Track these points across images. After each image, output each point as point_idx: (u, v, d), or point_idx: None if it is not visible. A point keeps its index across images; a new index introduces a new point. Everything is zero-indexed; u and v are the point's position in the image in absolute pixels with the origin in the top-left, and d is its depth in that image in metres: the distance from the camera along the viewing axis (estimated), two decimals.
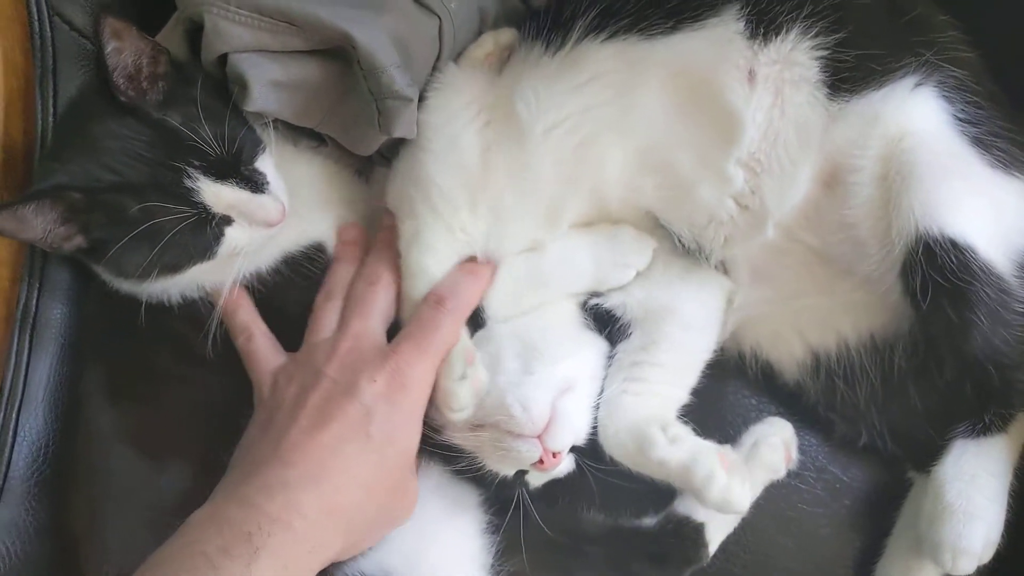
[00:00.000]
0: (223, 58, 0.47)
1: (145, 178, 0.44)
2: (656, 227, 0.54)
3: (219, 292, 0.49)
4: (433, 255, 0.49)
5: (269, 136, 0.48)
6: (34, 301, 0.50)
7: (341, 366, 0.46)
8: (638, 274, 0.54)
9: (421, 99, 0.49)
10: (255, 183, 0.47)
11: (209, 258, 0.47)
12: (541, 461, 0.47)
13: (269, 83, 0.46)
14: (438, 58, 0.51)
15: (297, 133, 0.51)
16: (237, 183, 0.46)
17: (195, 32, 0.49)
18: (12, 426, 0.48)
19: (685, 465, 0.49)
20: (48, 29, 0.52)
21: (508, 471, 0.50)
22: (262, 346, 0.49)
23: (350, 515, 0.43)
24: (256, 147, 0.47)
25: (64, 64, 0.52)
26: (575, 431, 0.50)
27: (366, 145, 0.49)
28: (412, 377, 0.46)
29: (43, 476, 0.49)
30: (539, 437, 0.47)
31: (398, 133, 0.46)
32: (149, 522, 0.47)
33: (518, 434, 0.47)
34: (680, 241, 0.53)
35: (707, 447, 0.50)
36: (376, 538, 0.47)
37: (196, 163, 0.44)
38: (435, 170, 0.49)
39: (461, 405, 0.47)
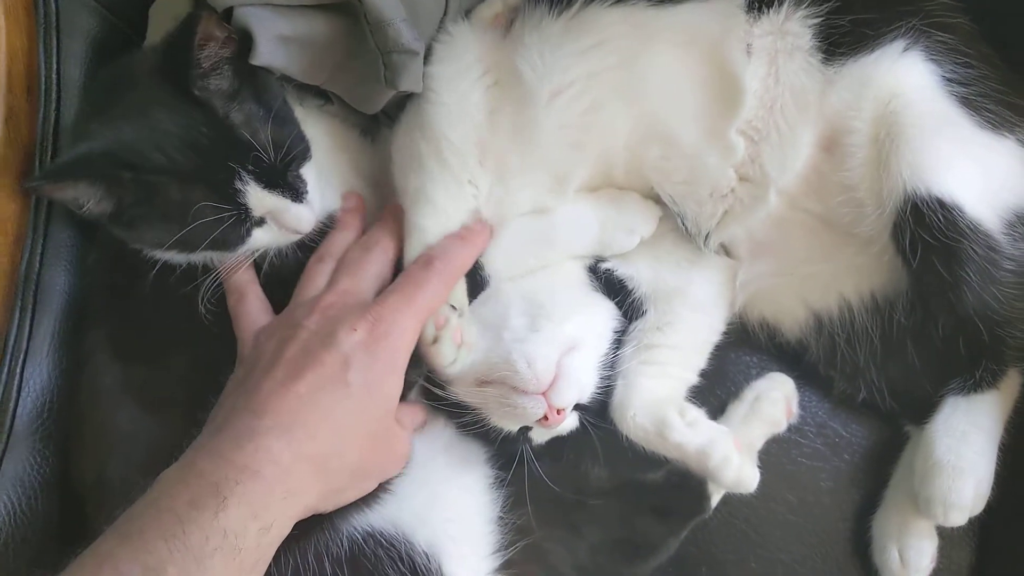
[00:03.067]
0: (229, 13, 0.51)
1: (196, 170, 0.48)
2: (661, 208, 0.60)
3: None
4: (436, 213, 0.54)
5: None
6: (38, 258, 0.54)
7: (322, 318, 0.48)
8: (642, 241, 0.59)
9: (429, 53, 0.54)
10: (296, 191, 0.52)
11: (231, 251, 0.51)
12: (546, 417, 0.52)
13: (275, 38, 0.51)
14: (444, 14, 0.56)
15: (303, 91, 0.56)
16: (281, 191, 0.50)
17: None
18: (17, 381, 0.52)
19: (702, 449, 0.55)
20: None
21: (512, 427, 0.55)
22: (252, 307, 0.52)
23: (326, 462, 0.45)
24: (305, 154, 0.52)
25: (67, 21, 0.56)
26: (580, 389, 0.55)
27: (373, 102, 0.54)
28: (394, 327, 0.48)
29: (48, 431, 0.53)
30: (544, 394, 0.52)
31: (404, 87, 0.51)
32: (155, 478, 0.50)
33: (523, 390, 0.52)
34: (682, 222, 0.58)
35: (723, 431, 0.56)
36: (362, 488, 0.49)
37: (251, 168, 0.49)
38: (445, 122, 0.54)
39: (445, 361, 0.51)
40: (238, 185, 0.48)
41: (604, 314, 0.59)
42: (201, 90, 0.48)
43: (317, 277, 0.52)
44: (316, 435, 0.44)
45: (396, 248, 0.54)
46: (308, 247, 0.56)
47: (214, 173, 0.48)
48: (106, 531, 0.40)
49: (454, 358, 0.52)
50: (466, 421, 0.55)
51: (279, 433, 0.43)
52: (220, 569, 0.39)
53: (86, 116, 0.53)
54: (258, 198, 0.49)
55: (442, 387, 0.55)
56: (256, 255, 0.53)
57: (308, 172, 0.52)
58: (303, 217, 0.51)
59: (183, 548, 0.38)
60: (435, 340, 0.52)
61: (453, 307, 0.52)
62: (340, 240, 0.54)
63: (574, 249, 0.59)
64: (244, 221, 0.49)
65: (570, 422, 0.55)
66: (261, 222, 0.51)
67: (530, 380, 0.51)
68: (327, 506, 0.47)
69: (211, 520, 0.39)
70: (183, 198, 0.48)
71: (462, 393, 0.55)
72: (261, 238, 0.51)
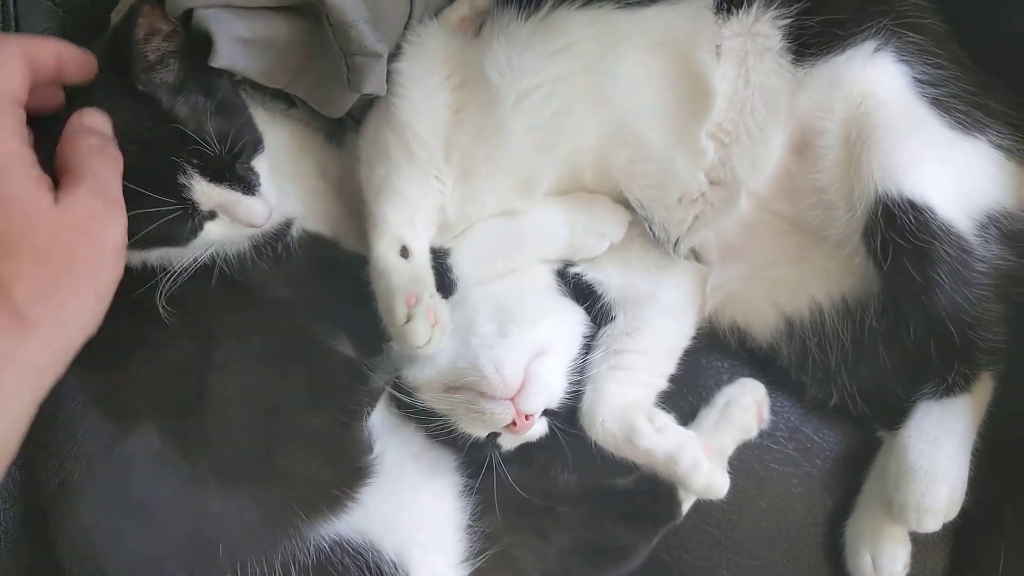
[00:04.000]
0: (189, 15, 0.50)
1: (140, 163, 0.47)
2: (631, 209, 0.59)
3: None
4: (403, 204, 0.53)
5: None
6: None
7: None
8: (612, 247, 0.59)
9: (397, 51, 0.54)
10: (248, 183, 0.50)
11: (182, 246, 0.50)
12: (514, 423, 0.51)
13: (235, 39, 0.50)
14: (409, 17, 0.55)
15: (265, 95, 0.55)
16: (230, 184, 0.49)
17: None
18: None
19: (671, 455, 0.54)
20: None
21: (481, 433, 0.55)
22: None
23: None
24: (255, 146, 0.51)
25: (26, 25, 0.55)
26: (549, 394, 0.54)
27: (337, 105, 0.53)
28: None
29: None
30: (512, 399, 0.51)
31: (368, 89, 0.50)
32: (117, 484, 0.50)
33: (491, 396, 0.52)
34: (651, 228, 0.58)
35: (692, 437, 0.56)
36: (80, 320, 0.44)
37: (194, 162, 0.48)
38: (412, 116, 0.54)
39: (420, 340, 0.50)
40: (182, 180, 0.47)
41: (573, 319, 0.58)
42: (145, 84, 0.47)
43: None
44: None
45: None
46: (265, 254, 0.54)
47: (157, 167, 0.47)
48: None
49: (428, 337, 0.50)
50: (434, 428, 0.54)
51: None
52: None
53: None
54: (205, 192, 0.48)
55: (410, 394, 0.54)
56: (211, 251, 0.51)
57: (260, 164, 0.51)
58: (256, 210, 0.50)
59: None
60: (408, 319, 0.50)
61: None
62: None
63: (543, 252, 0.58)
64: (192, 215, 0.48)
65: (539, 428, 0.55)
66: (213, 215, 0.50)
67: (498, 385, 0.51)
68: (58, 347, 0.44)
69: None
70: (128, 194, 0.46)
71: (430, 399, 0.54)
72: (214, 231, 0.50)
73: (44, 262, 0.41)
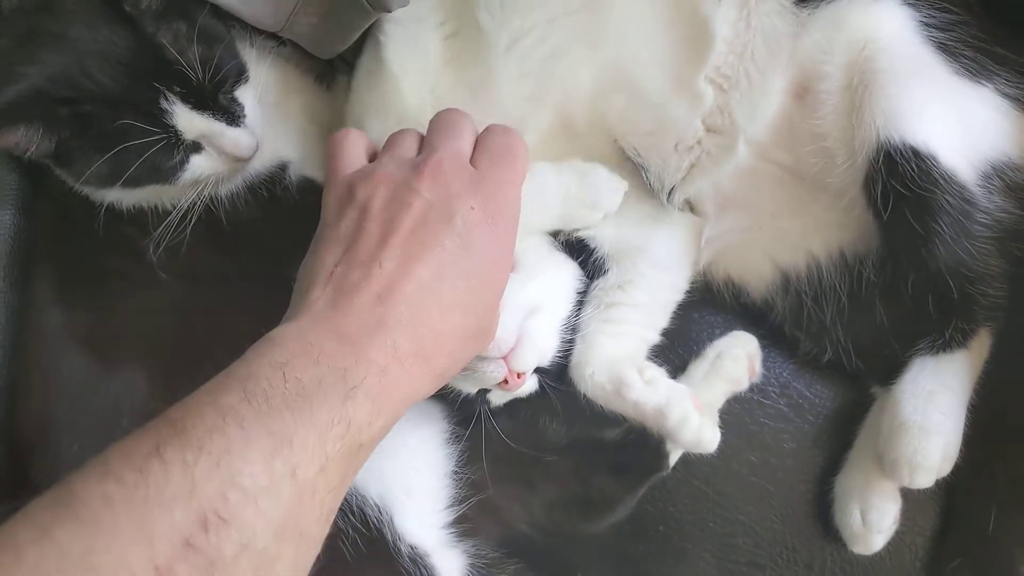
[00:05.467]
0: None
1: (123, 92, 0.46)
2: (624, 162, 0.57)
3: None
4: None
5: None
6: None
7: (435, 185, 0.42)
8: (605, 217, 0.57)
9: None
10: (232, 114, 0.49)
11: (171, 182, 0.49)
12: (506, 381, 0.50)
13: None
14: None
15: (254, 32, 0.54)
16: (213, 113, 0.48)
17: None
18: None
19: (660, 408, 0.52)
20: None
21: (471, 390, 0.53)
22: (351, 148, 0.45)
23: (439, 362, 0.41)
24: (240, 75, 0.50)
25: None
26: (540, 353, 0.53)
27: (332, 45, 0.52)
28: (506, 205, 0.44)
29: None
30: (504, 358, 0.50)
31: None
32: (102, 426, 0.50)
33: (483, 355, 0.50)
34: (646, 176, 0.56)
35: (681, 390, 0.54)
36: (443, 382, 0.44)
37: (176, 88, 0.46)
38: (398, 68, 0.51)
39: None
40: (164, 105, 0.46)
41: (567, 275, 0.56)
42: (132, 7, 0.46)
43: (405, 140, 0.46)
44: (437, 334, 0.40)
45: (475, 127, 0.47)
46: (260, 196, 0.54)
47: (141, 94, 0.46)
48: (225, 379, 0.36)
49: None
50: None
51: (406, 330, 0.39)
52: (339, 459, 0.35)
53: (9, 48, 0.49)
54: (187, 120, 0.47)
55: None
56: (206, 195, 0.50)
57: (245, 95, 0.50)
58: (241, 141, 0.49)
59: (309, 424, 0.34)
60: None
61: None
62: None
63: (534, 225, 0.55)
64: (176, 146, 0.47)
65: (530, 384, 0.53)
66: (198, 148, 0.49)
67: (493, 350, 0.49)
68: (427, 395, 0.43)
69: (339, 405, 0.36)
70: (112, 123, 0.45)
71: None
72: (201, 165, 0.49)
73: None
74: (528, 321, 0.52)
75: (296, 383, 0.35)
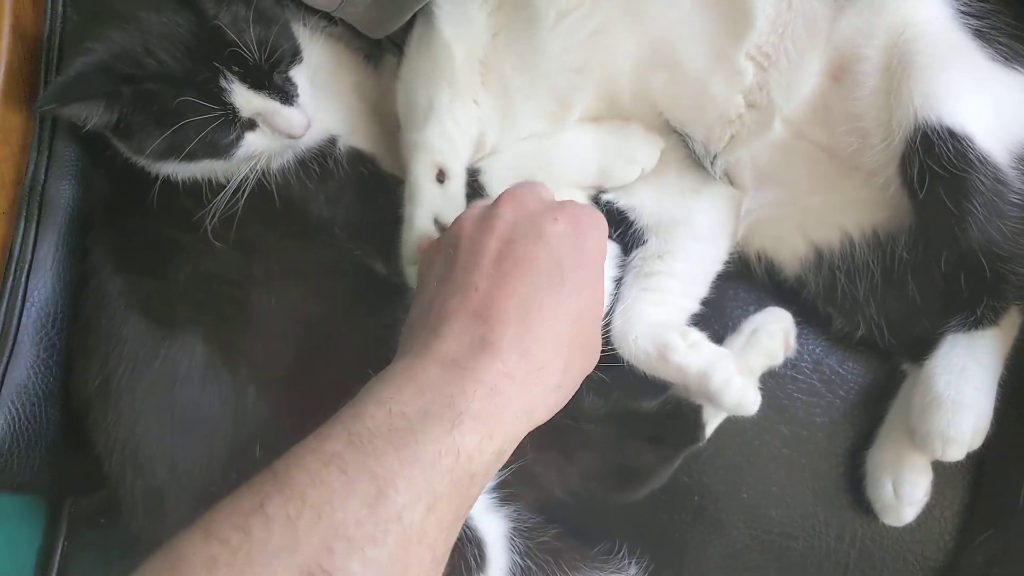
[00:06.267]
0: None
1: (184, 71, 0.48)
2: (668, 133, 0.59)
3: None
4: (443, 131, 0.53)
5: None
6: (43, 171, 0.54)
7: (514, 206, 0.43)
8: (643, 174, 0.59)
9: None
10: (286, 93, 0.51)
11: (226, 158, 0.51)
12: None
13: None
14: None
15: (307, 12, 0.55)
16: (269, 92, 0.50)
17: None
18: (21, 291, 0.53)
19: (703, 371, 0.54)
20: None
21: None
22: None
23: (552, 375, 0.40)
24: (294, 56, 0.52)
25: None
26: None
27: (384, 26, 0.54)
28: (591, 220, 0.44)
29: (51, 342, 0.54)
30: None
31: None
32: (160, 388, 0.52)
33: None
34: (691, 145, 0.57)
35: (724, 353, 0.56)
36: (569, 397, 0.43)
37: (235, 68, 0.48)
38: (452, 37, 0.53)
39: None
40: (223, 84, 0.48)
41: (606, 263, 0.57)
42: None
43: (477, 204, 0.46)
44: (545, 345, 0.39)
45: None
46: (312, 170, 0.55)
47: (201, 73, 0.48)
48: (331, 424, 0.36)
49: None
50: None
51: (512, 344, 0.38)
52: (450, 493, 0.34)
53: (78, 25, 0.53)
54: (245, 98, 0.49)
55: None
56: (256, 168, 0.52)
57: (299, 75, 0.52)
58: (294, 120, 0.50)
59: (414, 461, 0.33)
60: (415, 263, 0.51)
61: (442, 226, 0.51)
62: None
63: (574, 176, 0.58)
64: (233, 123, 0.49)
65: None
66: (253, 125, 0.50)
67: None
68: (548, 416, 0.42)
69: (445, 435, 0.35)
70: (174, 100, 0.47)
71: None
72: (255, 142, 0.51)
73: None
74: None
75: (401, 418, 0.35)
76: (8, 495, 0.59)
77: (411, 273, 0.52)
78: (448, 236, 0.44)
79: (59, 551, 0.62)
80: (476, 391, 0.36)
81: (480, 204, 0.45)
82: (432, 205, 0.52)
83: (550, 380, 0.40)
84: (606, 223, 0.45)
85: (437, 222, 0.52)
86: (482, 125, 0.56)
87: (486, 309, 0.39)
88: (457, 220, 0.44)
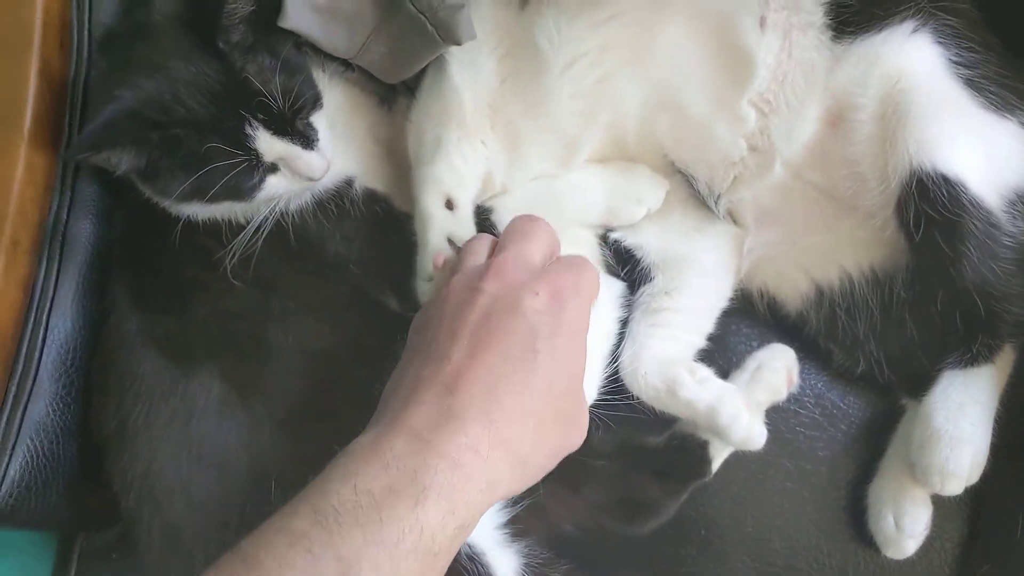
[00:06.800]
0: None
1: (211, 118, 0.50)
2: (672, 174, 0.61)
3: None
4: (452, 167, 0.55)
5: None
6: (65, 211, 0.56)
7: (498, 279, 0.44)
8: (649, 213, 0.61)
9: None
10: (307, 138, 0.53)
11: (248, 200, 0.53)
12: None
13: (306, 5, 0.52)
14: None
15: (325, 58, 0.57)
16: (291, 138, 0.52)
17: None
18: (43, 330, 0.54)
19: (712, 406, 0.55)
20: None
21: None
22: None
23: (519, 448, 0.40)
24: (315, 103, 0.54)
25: None
26: (588, 401, 0.54)
27: (400, 72, 0.56)
28: (574, 290, 0.44)
29: (70, 379, 0.55)
30: None
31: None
32: (177, 425, 0.53)
33: None
34: (695, 185, 0.60)
35: (732, 390, 0.57)
36: (542, 473, 0.43)
37: (259, 116, 0.50)
38: (462, 83, 0.55)
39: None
40: (248, 131, 0.50)
41: (613, 306, 0.59)
42: (224, 43, 0.50)
43: (479, 247, 0.48)
44: (512, 417, 0.40)
45: (554, 237, 0.49)
46: (329, 210, 0.57)
47: (227, 120, 0.50)
48: (298, 501, 0.36)
49: None
50: None
51: (478, 417, 0.38)
52: (414, 572, 0.34)
53: (106, 71, 0.54)
54: (268, 144, 0.51)
55: None
56: (276, 210, 0.54)
57: (319, 121, 0.54)
58: (314, 163, 0.52)
59: (378, 541, 0.34)
60: (430, 279, 0.53)
61: (457, 246, 0.53)
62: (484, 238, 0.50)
63: (582, 216, 0.60)
64: (256, 167, 0.51)
65: None
66: (275, 169, 0.52)
67: None
68: (517, 490, 0.42)
69: (408, 512, 0.35)
70: (200, 146, 0.49)
71: None
72: (276, 185, 0.53)
73: None
74: None
75: (367, 495, 0.35)
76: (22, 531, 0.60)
77: (425, 289, 0.54)
78: (434, 310, 0.45)
79: None
80: (439, 464, 0.37)
81: (472, 270, 0.46)
82: (444, 227, 0.55)
83: (517, 453, 0.40)
84: (597, 285, 0.46)
85: (450, 242, 0.54)
86: (489, 164, 0.58)
87: (455, 380, 0.39)
88: (447, 287, 0.45)
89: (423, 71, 0.58)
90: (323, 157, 0.53)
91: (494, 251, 0.47)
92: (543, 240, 0.47)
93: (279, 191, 0.53)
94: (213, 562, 0.35)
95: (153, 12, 0.52)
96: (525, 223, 0.48)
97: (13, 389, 0.52)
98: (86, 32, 0.56)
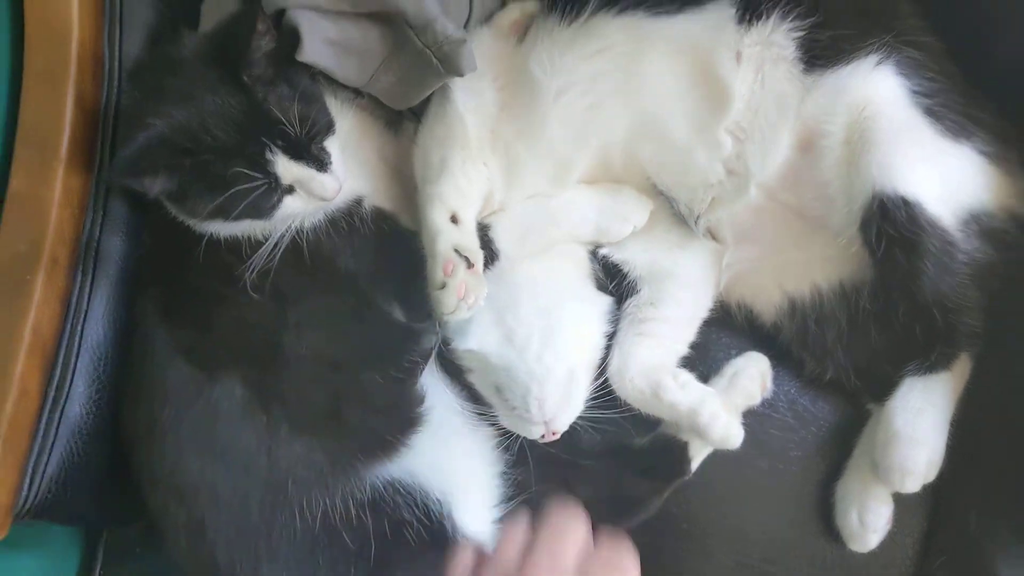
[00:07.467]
0: (280, 14, 0.57)
1: (236, 145, 0.54)
2: (656, 195, 0.67)
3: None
4: (456, 186, 0.60)
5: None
6: (98, 229, 0.61)
7: None
8: (635, 231, 0.66)
9: None
10: (321, 162, 0.58)
11: (266, 219, 0.58)
12: (543, 435, 0.60)
13: (321, 39, 0.57)
14: (468, 19, 0.62)
15: (337, 86, 0.62)
16: (307, 162, 0.57)
17: None
18: (78, 339, 0.59)
19: (693, 407, 0.61)
20: None
21: (514, 431, 0.62)
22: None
23: None
24: (329, 129, 0.58)
25: (129, 14, 0.62)
26: (574, 412, 0.62)
27: (407, 99, 0.61)
28: None
29: (102, 385, 0.60)
30: (545, 422, 0.60)
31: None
32: (202, 427, 0.57)
33: (530, 419, 0.60)
34: (676, 206, 0.65)
35: (711, 393, 0.63)
36: None
37: (278, 142, 0.55)
38: (465, 109, 0.61)
39: (446, 309, 0.57)
40: (268, 156, 0.55)
41: (601, 319, 0.65)
42: (248, 76, 0.55)
43: (513, 536, 0.48)
44: None
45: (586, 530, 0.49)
46: (340, 228, 0.61)
47: (250, 146, 0.54)
48: None
49: (454, 308, 0.57)
50: (478, 405, 0.63)
51: None
52: None
53: (138, 100, 0.58)
54: (286, 168, 0.55)
55: (461, 371, 0.63)
56: (292, 227, 0.59)
57: (332, 145, 0.58)
58: (328, 185, 0.57)
59: None
60: (443, 286, 0.57)
61: (466, 258, 0.57)
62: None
63: (573, 233, 0.65)
64: (275, 189, 0.56)
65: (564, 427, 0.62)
66: (291, 190, 0.57)
67: (538, 417, 0.60)
68: None
69: None
70: (226, 170, 0.54)
71: (478, 386, 0.63)
72: (292, 205, 0.57)
73: None
74: (567, 389, 0.60)
75: None
76: (50, 526, 0.64)
77: (437, 297, 0.58)
78: None
79: None
80: None
81: (504, 563, 0.46)
82: (451, 238, 0.59)
83: None
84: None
85: (457, 251, 0.58)
86: (489, 184, 0.63)
87: None
88: None
89: (428, 98, 0.63)
90: (336, 179, 0.58)
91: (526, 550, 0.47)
92: (576, 537, 0.48)
93: (295, 210, 0.58)
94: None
95: (183, 47, 0.57)
96: (559, 519, 0.49)
97: (52, 392, 0.57)
98: (116, 64, 0.61)
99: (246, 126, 0.54)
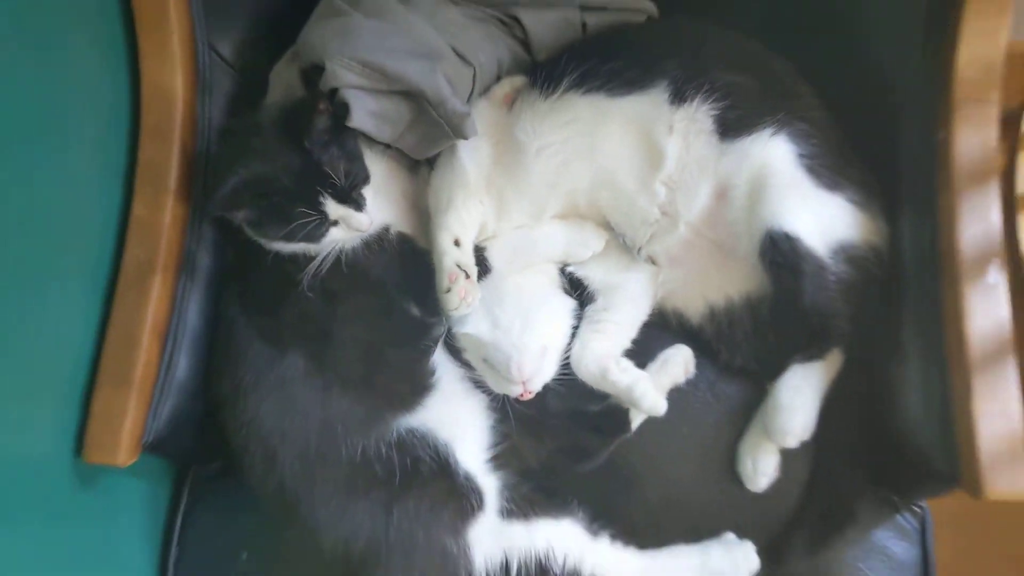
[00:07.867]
0: (334, 91, 0.78)
1: (297, 190, 0.75)
2: (610, 229, 0.88)
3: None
4: (459, 219, 0.82)
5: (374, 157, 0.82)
6: (195, 245, 0.82)
7: None
8: (594, 255, 0.88)
9: None
10: (359, 204, 0.79)
11: (316, 243, 0.79)
12: (522, 394, 0.81)
13: (366, 112, 0.77)
14: (471, 93, 0.82)
15: (373, 141, 0.83)
16: (348, 204, 0.77)
17: (310, 71, 0.80)
18: (182, 323, 0.80)
19: (629, 386, 0.82)
20: (207, 58, 0.82)
21: (500, 391, 0.84)
22: None
23: None
24: (365, 180, 0.79)
25: (214, 83, 0.83)
26: (547, 378, 0.84)
27: (425, 152, 0.82)
28: None
29: (198, 356, 0.82)
30: (523, 383, 0.81)
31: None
32: (275, 389, 0.79)
33: (510, 378, 0.81)
34: (623, 240, 0.86)
35: (643, 375, 0.84)
36: None
37: (328, 190, 0.76)
38: (467, 161, 0.83)
39: (451, 307, 0.79)
40: (320, 199, 0.76)
41: (567, 316, 0.86)
42: (309, 143, 0.75)
43: None
44: None
45: None
46: (373, 247, 0.83)
47: (307, 192, 0.75)
48: None
49: (456, 306, 0.79)
50: (473, 376, 0.85)
51: None
52: None
53: (227, 153, 0.80)
54: (333, 208, 0.76)
55: (460, 351, 0.85)
56: (336, 247, 0.80)
57: (367, 191, 0.80)
58: (363, 221, 0.78)
59: None
60: (448, 290, 0.79)
61: (465, 271, 0.78)
62: None
63: (548, 255, 0.87)
64: (324, 223, 0.77)
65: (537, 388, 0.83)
66: (336, 223, 0.78)
67: (516, 378, 0.81)
68: None
69: None
70: (291, 209, 0.75)
71: (472, 360, 0.85)
72: (336, 234, 0.79)
73: None
74: (542, 358, 0.82)
75: None
76: (151, 459, 0.85)
77: (443, 298, 0.80)
78: None
79: (182, 507, 0.90)
80: None
81: None
82: (454, 256, 0.81)
83: None
84: None
85: (458, 266, 0.80)
86: (484, 217, 0.84)
87: None
88: None
89: (440, 152, 0.84)
90: (369, 217, 0.79)
91: None
92: None
93: (338, 238, 0.79)
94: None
95: (262, 116, 0.79)
96: None
97: (166, 360, 0.79)
98: (207, 123, 0.82)
99: (305, 177, 0.75)
